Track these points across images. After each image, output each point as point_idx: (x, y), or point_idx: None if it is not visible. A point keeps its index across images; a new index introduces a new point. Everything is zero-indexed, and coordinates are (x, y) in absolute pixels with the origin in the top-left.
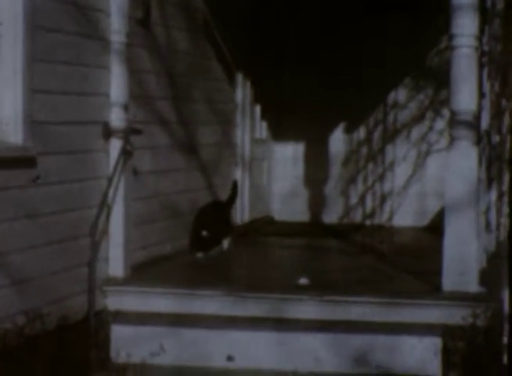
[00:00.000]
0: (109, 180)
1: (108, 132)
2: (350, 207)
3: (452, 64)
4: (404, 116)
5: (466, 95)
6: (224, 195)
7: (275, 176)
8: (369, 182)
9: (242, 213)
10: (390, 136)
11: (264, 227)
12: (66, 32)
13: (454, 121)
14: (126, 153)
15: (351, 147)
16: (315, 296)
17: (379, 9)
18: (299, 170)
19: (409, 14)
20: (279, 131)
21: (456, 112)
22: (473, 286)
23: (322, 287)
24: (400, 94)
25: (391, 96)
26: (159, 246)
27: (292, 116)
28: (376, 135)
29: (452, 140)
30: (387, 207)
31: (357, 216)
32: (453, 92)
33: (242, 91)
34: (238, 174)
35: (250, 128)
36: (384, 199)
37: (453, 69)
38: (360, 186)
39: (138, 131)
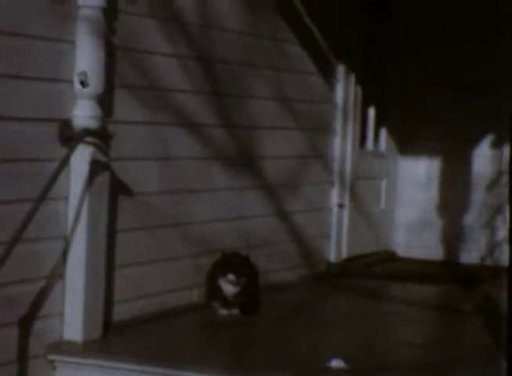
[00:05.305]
0: (37, 202)
1: (67, 135)
2: (495, 244)
3: None
4: None
5: None
6: (306, 223)
7: (399, 201)
8: None
9: (337, 248)
10: None
11: (375, 266)
12: None
13: None
14: (96, 165)
15: (500, 167)
16: None
17: None
18: (432, 194)
19: None
20: (406, 144)
21: None
22: None
23: (362, 373)
24: None
25: None
26: (173, 294)
27: (423, 124)
28: None
29: None
30: None
31: (504, 256)
32: None
33: (344, 88)
34: (334, 196)
35: (354, 136)
36: None
37: None
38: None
39: (107, 136)
